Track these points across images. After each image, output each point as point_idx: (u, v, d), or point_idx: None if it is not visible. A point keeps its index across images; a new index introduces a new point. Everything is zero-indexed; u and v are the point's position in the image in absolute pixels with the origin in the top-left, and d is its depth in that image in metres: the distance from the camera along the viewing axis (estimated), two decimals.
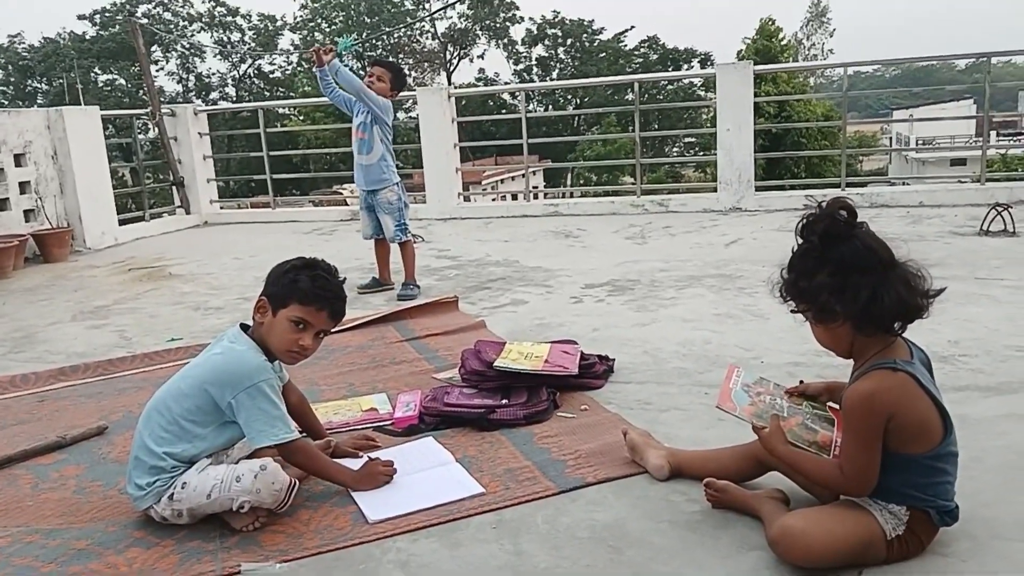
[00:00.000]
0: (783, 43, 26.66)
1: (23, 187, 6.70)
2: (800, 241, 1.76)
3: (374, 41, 37.20)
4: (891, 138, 37.16)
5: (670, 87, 34.67)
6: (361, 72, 4.71)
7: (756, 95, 7.23)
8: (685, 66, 37.38)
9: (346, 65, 4.63)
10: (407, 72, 40.40)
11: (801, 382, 2.04)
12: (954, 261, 4.61)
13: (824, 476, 1.79)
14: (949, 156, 28.34)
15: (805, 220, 1.76)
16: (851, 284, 1.68)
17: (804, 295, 1.76)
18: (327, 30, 39.35)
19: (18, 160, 6.68)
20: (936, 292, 1.72)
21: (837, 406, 1.94)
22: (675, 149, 36.00)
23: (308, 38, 39.53)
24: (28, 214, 6.74)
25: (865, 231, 1.73)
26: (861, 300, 1.67)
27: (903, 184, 10.60)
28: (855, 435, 1.71)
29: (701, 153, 27.66)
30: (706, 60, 37.27)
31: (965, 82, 32.49)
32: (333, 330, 2.26)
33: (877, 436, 1.68)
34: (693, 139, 33.63)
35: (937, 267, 4.55)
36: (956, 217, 5.96)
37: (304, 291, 2.09)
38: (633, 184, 8.28)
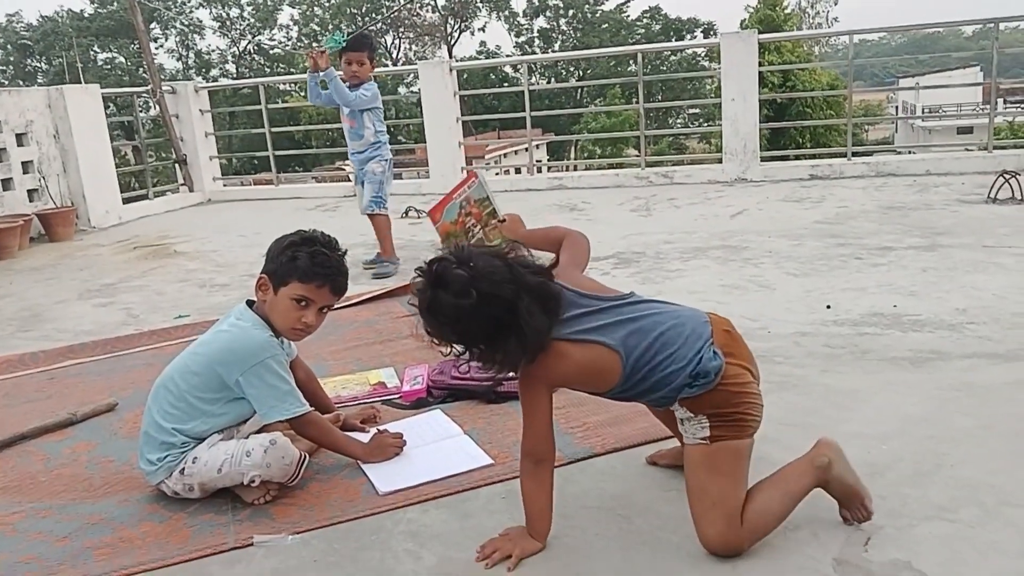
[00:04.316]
0: (787, 12, 26.29)
1: (26, 167, 6.68)
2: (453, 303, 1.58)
3: (373, 15, 36.84)
4: (897, 107, 36.90)
5: (673, 58, 34.34)
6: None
7: (760, 64, 7.16)
8: (688, 36, 36.99)
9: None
10: (408, 46, 40.14)
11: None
12: (962, 229, 4.59)
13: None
14: (956, 124, 28.16)
15: (445, 290, 1.58)
16: (496, 329, 1.60)
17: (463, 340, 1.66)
18: (326, 5, 39.00)
19: (20, 139, 6.66)
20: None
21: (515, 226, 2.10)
22: (679, 120, 35.76)
23: (307, 12, 39.20)
24: (32, 194, 6.73)
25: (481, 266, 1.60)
26: (510, 343, 1.60)
27: (910, 153, 10.51)
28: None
29: (705, 124, 27.45)
30: (709, 30, 36.89)
31: (972, 49, 32.14)
32: (337, 305, 2.26)
33: (537, 403, 1.70)
34: (697, 110, 33.41)
35: (945, 235, 4.56)
36: (963, 185, 5.91)
37: (303, 268, 2.06)
38: (637, 156, 8.23)
